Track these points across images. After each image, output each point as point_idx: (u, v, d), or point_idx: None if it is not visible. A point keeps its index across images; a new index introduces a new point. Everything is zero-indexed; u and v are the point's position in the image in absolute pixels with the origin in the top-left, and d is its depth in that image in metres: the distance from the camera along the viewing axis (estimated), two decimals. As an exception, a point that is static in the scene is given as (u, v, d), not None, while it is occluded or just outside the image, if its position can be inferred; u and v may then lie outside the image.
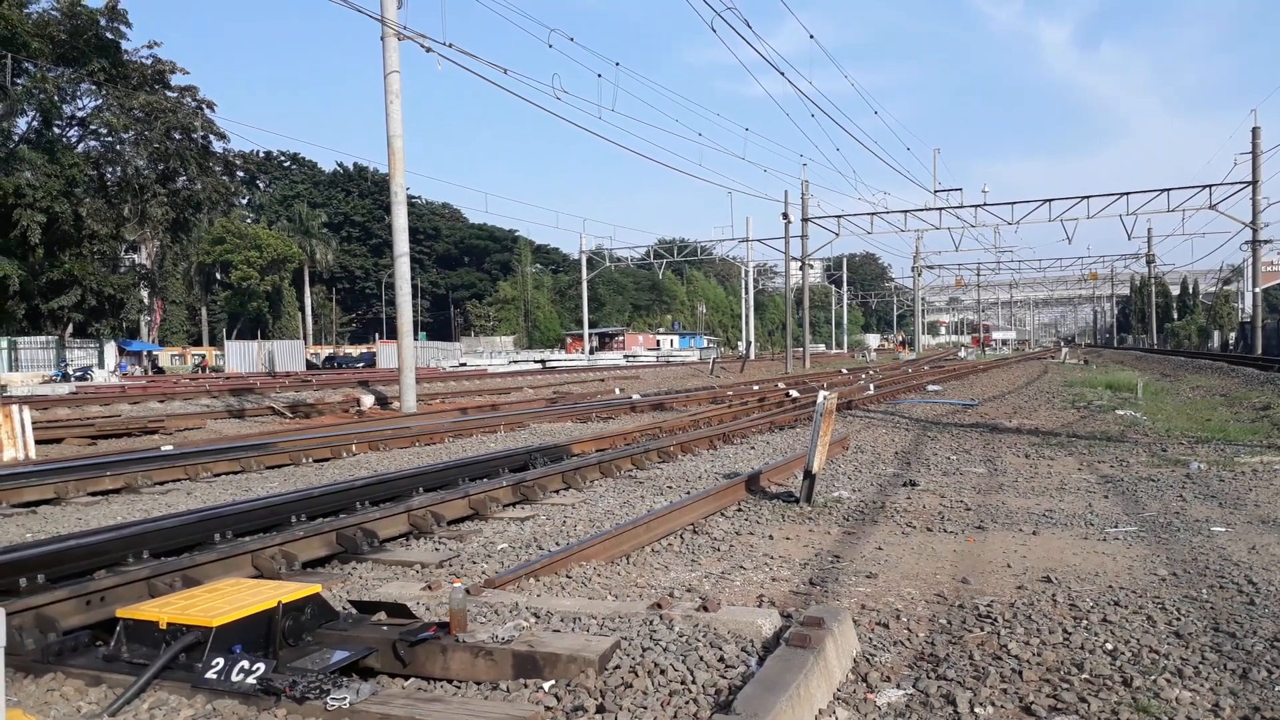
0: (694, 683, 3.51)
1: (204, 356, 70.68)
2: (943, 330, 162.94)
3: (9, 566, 5.00)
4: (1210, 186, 42.02)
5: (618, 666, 3.63)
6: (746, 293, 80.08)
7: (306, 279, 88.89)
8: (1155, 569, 5.53)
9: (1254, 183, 41.77)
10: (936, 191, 45.51)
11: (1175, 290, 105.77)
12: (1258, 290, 46.35)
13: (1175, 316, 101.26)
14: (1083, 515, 7.26)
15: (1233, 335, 72.42)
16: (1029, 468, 10.04)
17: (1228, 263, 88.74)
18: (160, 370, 57.54)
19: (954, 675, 3.74)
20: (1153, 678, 3.67)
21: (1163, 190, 42.42)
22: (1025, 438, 13.01)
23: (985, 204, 46.00)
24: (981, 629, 4.37)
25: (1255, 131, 41.89)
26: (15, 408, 13.22)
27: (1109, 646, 4.06)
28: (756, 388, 26.17)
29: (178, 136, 46.04)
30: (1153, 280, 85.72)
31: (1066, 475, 9.45)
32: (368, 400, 22.48)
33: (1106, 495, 8.22)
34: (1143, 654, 3.96)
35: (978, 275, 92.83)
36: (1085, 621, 4.44)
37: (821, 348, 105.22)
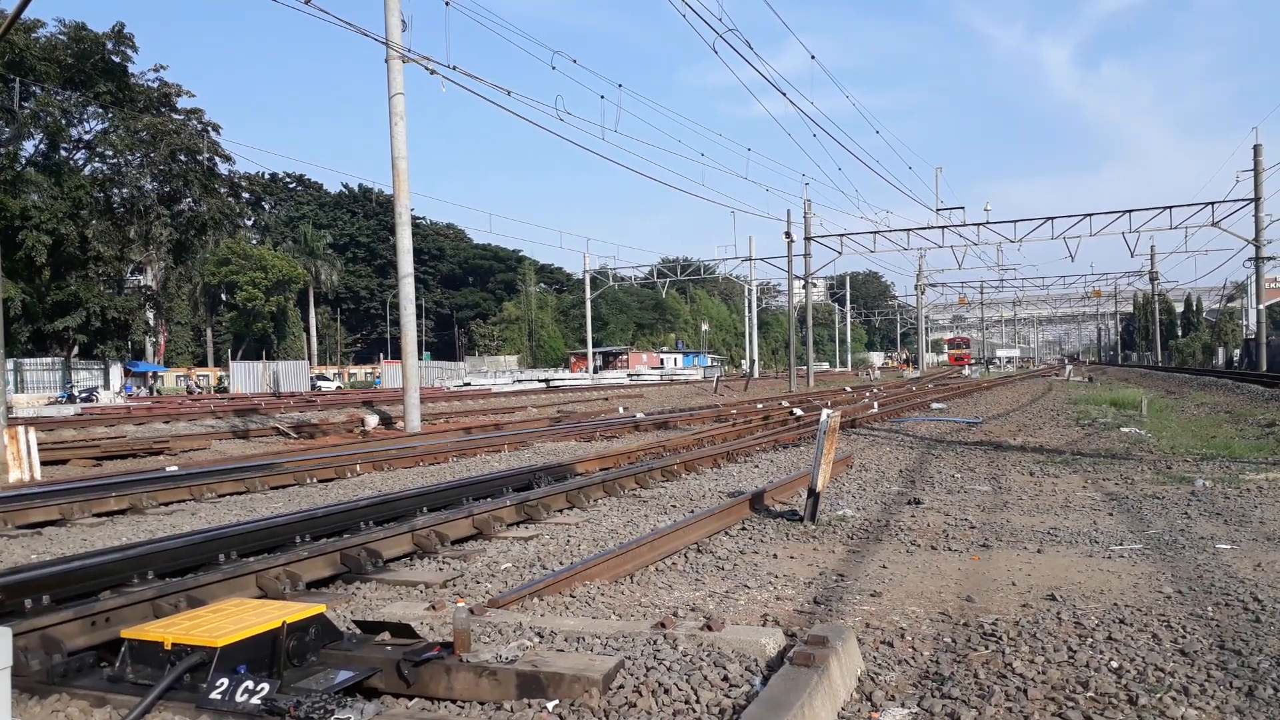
0: (698, 702, 3.51)
1: (187, 378, 69.87)
2: (946, 348, 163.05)
3: (14, 588, 5.01)
4: (1213, 204, 42.09)
5: (621, 686, 3.63)
6: (750, 311, 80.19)
7: (311, 300, 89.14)
8: (1160, 586, 5.52)
9: (1256, 200, 41.81)
10: (939, 210, 45.61)
11: (1179, 307, 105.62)
12: (1262, 307, 46.32)
13: (1179, 334, 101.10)
14: (1087, 533, 7.24)
15: (1237, 352, 72.27)
16: (1033, 485, 10.02)
17: (1231, 280, 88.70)
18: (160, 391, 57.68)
19: (958, 694, 3.73)
20: (1158, 696, 3.66)
21: (1165, 208, 42.51)
22: (1030, 455, 12.99)
23: (988, 222, 46.09)
24: (986, 647, 4.36)
25: (1257, 149, 41.99)
26: (21, 429, 13.26)
27: (1114, 664, 4.05)
28: (760, 406, 26.16)
29: (183, 158, 46.37)
30: (1156, 298, 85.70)
31: (1071, 493, 9.43)
32: (372, 420, 22.50)
33: (1111, 513, 8.21)
34: (1148, 672, 3.95)
35: (981, 293, 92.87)
36: (1090, 639, 4.43)
37: (825, 366, 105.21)
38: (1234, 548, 6.58)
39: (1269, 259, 44.63)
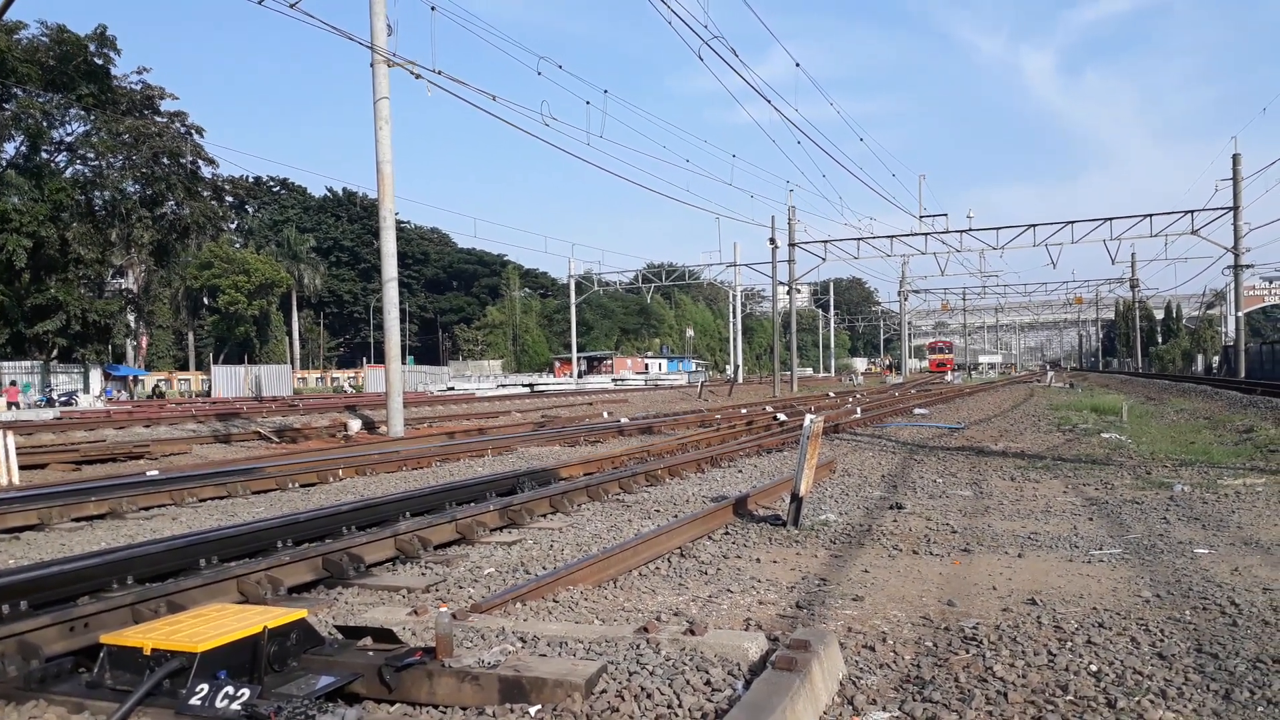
0: (680, 706, 3.51)
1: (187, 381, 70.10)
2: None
3: (-9, 593, 4.96)
4: (1192, 212, 42.44)
5: (604, 690, 3.63)
6: (734, 317, 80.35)
7: (294, 304, 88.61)
8: (1139, 591, 5.56)
9: (1235, 208, 42.20)
10: (922, 217, 45.80)
11: (1159, 314, 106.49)
12: (1240, 314, 46.72)
13: (1159, 340, 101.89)
14: (1068, 537, 7.30)
15: (1216, 358, 72.93)
16: (1015, 490, 10.08)
17: (1210, 287, 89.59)
18: (161, 395, 57.19)
19: (939, 698, 3.75)
20: (1137, 699, 3.69)
21: (1145, 216, 42.90)
22: (1011, 461, 13.06)
23: (970, 229, 46.29)
24: (967, 651, 4.38)
25: (1236, 158, 42.37)
26: (-1, 433, 13.13)
27: (1093, 668, 4.09)
28: (744, 411, 26.20)
29: (165, 161, 46.04)
30: (1137, 304, 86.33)
31: (1052, 498, 9.50)
32: (355, 425, 22.40)
33: (1091, 518, 8.27)
34: (1127, 675, 3.98)
35: (964, 299, 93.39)
36: (1070, 643, 4.46)
37: (809, 371, 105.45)
38: (1212, 552, 6.64)
39: (1247, 267, 45.08)
